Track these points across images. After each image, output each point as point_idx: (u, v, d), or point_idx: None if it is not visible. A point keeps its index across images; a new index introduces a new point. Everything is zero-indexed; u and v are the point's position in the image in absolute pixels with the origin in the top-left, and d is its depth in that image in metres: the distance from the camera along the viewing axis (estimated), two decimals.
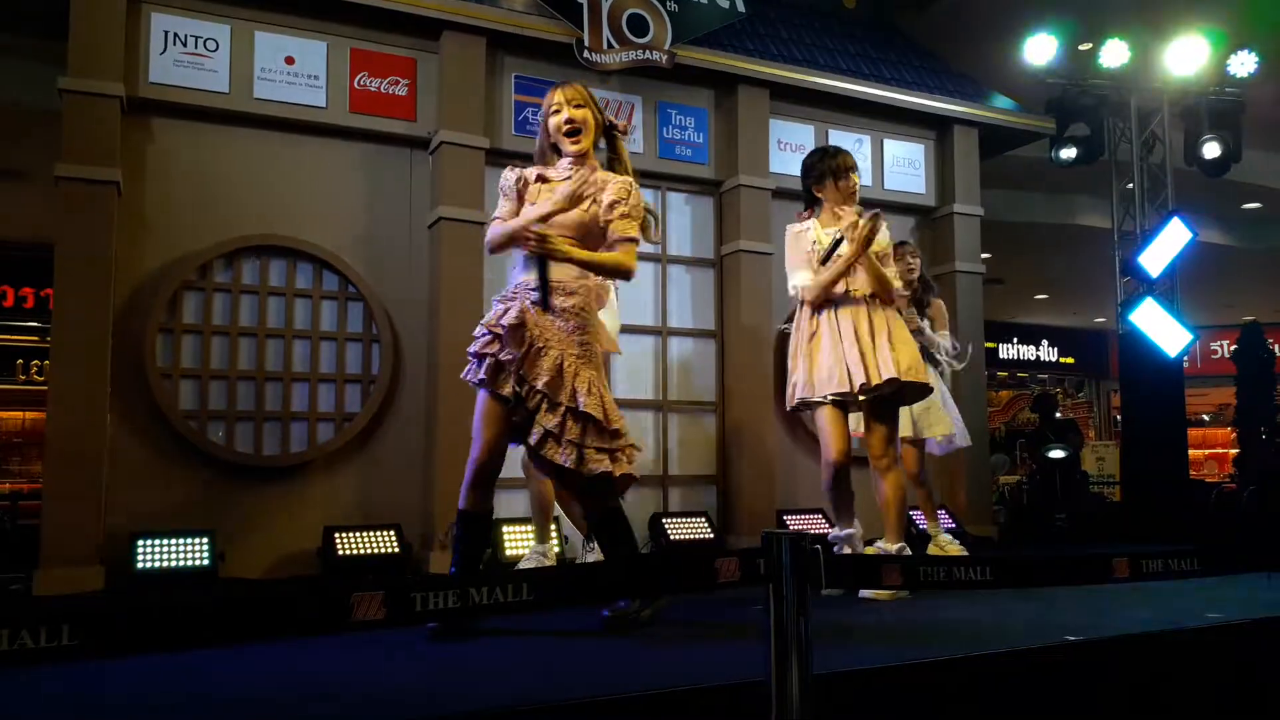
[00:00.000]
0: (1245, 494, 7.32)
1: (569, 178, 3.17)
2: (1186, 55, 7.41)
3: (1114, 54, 7.44)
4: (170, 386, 5.00)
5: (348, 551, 4.99)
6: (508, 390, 3.01)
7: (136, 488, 4.85)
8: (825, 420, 4.02)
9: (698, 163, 6.44)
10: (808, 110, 6.76)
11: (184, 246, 5.08)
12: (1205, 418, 16.74)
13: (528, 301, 3.05)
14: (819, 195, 4.08)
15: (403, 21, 5.53)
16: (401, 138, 5.62)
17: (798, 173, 4.13)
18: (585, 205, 3.13)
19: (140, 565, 4.60)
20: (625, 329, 6.04)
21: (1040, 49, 7.38)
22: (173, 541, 4.70)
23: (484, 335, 3.05)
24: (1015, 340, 17.40)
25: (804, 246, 4.02)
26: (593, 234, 3.13)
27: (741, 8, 6.42)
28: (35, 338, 10.71)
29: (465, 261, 5.42)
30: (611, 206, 3.11)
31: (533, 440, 3.00)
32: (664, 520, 5.87)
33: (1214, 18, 7.36)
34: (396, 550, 5.08)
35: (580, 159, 3.20)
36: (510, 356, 2.99)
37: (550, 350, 3.01)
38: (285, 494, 5.17)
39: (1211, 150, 7.70)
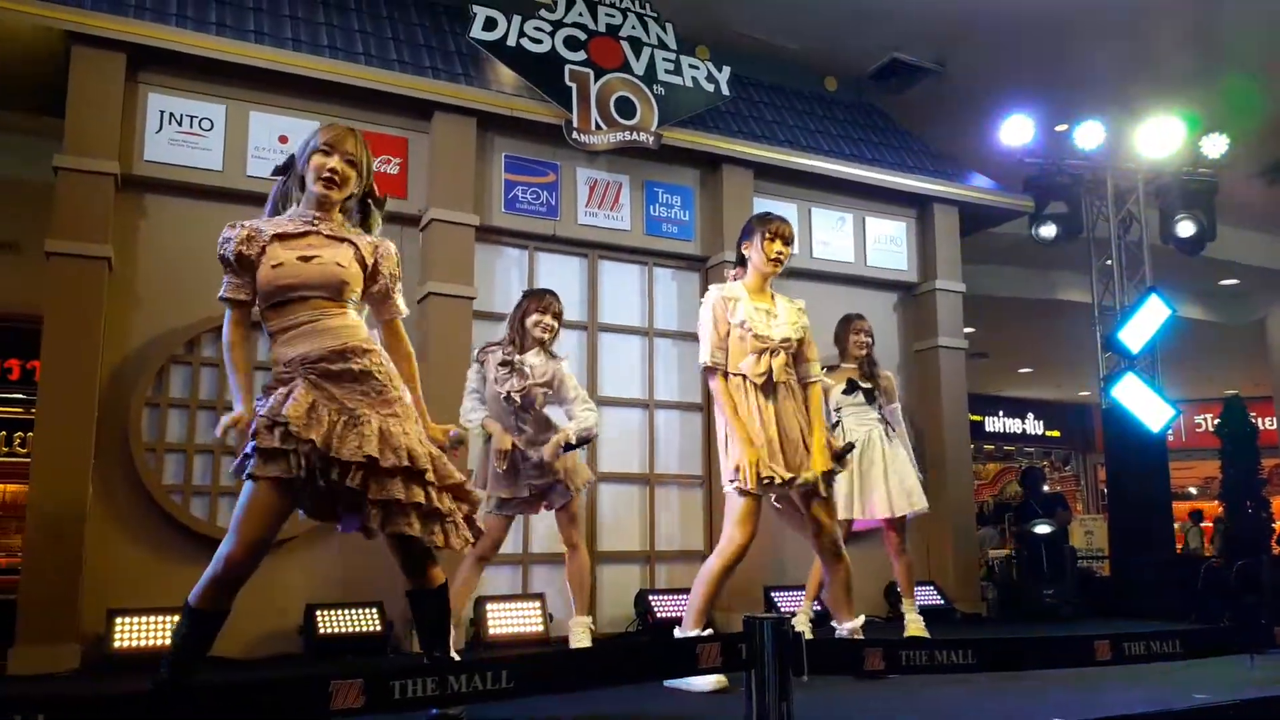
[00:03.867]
0: (1234, 569, 7.29)
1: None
2: (1160, 137, 7.60)
3: (1089, 135, 7.63)
4: (154, 460, 4.97)
5: (329, 629, 4.93)
6: (298, 483, 2.62)
7: (117, 562, 4.79)
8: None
9: (684, 239, 6.54)
10: (791, 189, 6.89)
11: (173, 321, 5.11)
12: (1192, 490, 16.74)
13: (311, 378, 2.67)
14: (746, 253, 3.86)
15: (395, 102, 5.66)
16: (392, 215, 5.64)
17: None
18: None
19: (118, 643, 4.52)
20: (612, 401, 6.12)
21: (1017, 130, 7.57)
22: (152, 619, 4.62)
23: (265, 429, 2.59)
24: (1001, 413, 17.53)
25: (728, 319, 3.75)
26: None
27: (726, 91, 6.59)
28: (20, 410, 10.67)
29: (454, 335, 5.47)
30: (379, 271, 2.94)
31: (374, 522, 2.66)
32: (650, 597, 5.81)
33: (1186, 100, 7.58)
34: (379, 629, 5.02)
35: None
36: (308, 447, 2.57)
37: (364, 418, 2.64)
38: (268, 570, 5.02)
39: (1186, 229, 7.86)
